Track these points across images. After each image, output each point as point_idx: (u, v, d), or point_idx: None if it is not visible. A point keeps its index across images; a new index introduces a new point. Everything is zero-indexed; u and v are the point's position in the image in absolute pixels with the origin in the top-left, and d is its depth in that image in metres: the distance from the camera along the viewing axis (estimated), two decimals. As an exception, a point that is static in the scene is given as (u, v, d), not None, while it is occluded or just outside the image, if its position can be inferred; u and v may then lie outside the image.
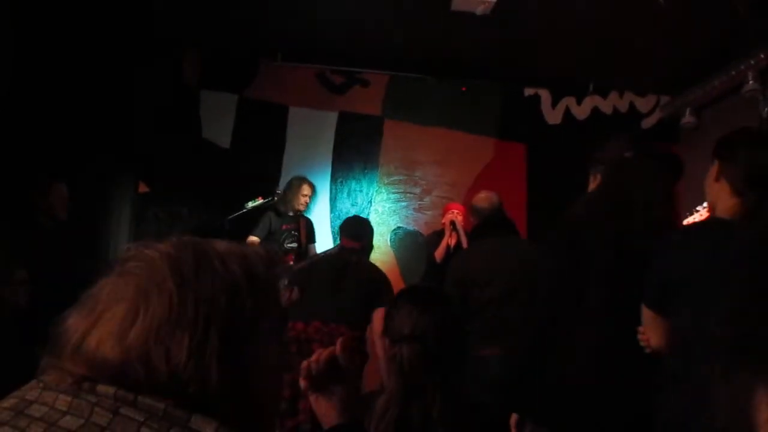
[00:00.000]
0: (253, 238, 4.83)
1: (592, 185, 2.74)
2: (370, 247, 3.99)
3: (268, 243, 4.81)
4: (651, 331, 1.98)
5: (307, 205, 5.21)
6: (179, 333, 0.74)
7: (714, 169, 1.95)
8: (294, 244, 4.97)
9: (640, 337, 2.03)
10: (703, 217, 3.82)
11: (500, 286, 3.25)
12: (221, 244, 0.86)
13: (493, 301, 3.24)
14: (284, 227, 5.01)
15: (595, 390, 2.17)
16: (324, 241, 5.42)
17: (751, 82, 4.59)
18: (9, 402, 0.74)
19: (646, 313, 1.98)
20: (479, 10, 4.14)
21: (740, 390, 0.41)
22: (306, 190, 5.14)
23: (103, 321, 0.75)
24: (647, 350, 2.01)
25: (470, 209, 3.76)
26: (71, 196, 3.53)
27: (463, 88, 5.98)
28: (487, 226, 3.56)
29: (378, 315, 3.42)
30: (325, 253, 4.55)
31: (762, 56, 4.38)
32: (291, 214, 5.08)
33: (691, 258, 1.83)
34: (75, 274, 3.55)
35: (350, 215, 4.94)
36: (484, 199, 3.70)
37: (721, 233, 1.80)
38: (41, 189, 3.38)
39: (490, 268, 3.31)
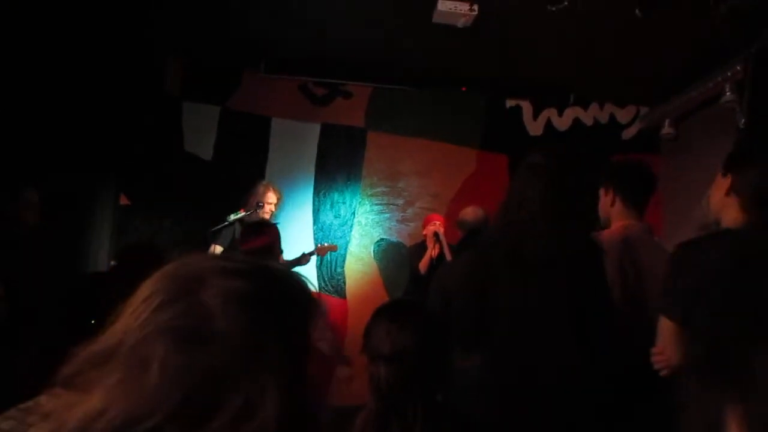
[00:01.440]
0: (218, 248, 4.72)
1: None
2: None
3: (231, 252, 4.69)
4: (673, 347, 1.85)
5: (273, 214, 4.97)
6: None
7: (723, 183, 1.96)
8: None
9: (655, 358, 1.91)
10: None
11: (465, 301, 3.24)
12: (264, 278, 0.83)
13: (463, 314, 3.23)
14: None
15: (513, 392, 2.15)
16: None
17: (728, 93, 4.65)
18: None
19: (669, 327, 1.86)
20: (460, 22, 4.16)
21: (710, 405, 0.41)
22: (270, 197, 4.92)
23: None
24: (664, 372, 1.89)
25: (456, 223, 3.78)
26: (50, 208, 3.48)
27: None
28: (466, 240, 3.58)
29: None
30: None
31: (738, 68, 4.45)
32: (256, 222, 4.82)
33: (704, 269, 1.77)
34: (53, 288, 3.50)
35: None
36: (470, 212, 3.73)
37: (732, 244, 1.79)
38: (11, 197, 3.33)
39: (458, 283, 3.29)
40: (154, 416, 0.68)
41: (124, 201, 5.43)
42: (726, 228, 1.91)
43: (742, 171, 1.92)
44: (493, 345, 2.19)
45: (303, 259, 5.01)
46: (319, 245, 5.43)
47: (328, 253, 5.54)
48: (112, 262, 5.15)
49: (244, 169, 5.71)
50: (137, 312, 0.75)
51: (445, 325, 3.06)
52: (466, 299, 2.35)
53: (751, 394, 0.38)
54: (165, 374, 0.70)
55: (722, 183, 1.98)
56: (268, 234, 3.57)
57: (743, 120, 4.43)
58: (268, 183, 5.04)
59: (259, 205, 4.86)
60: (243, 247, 3.59)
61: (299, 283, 0.88)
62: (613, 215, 2.65)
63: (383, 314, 1.67)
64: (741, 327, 0.37)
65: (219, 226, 4.73)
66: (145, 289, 0.78)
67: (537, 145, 5.92)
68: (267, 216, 4.87)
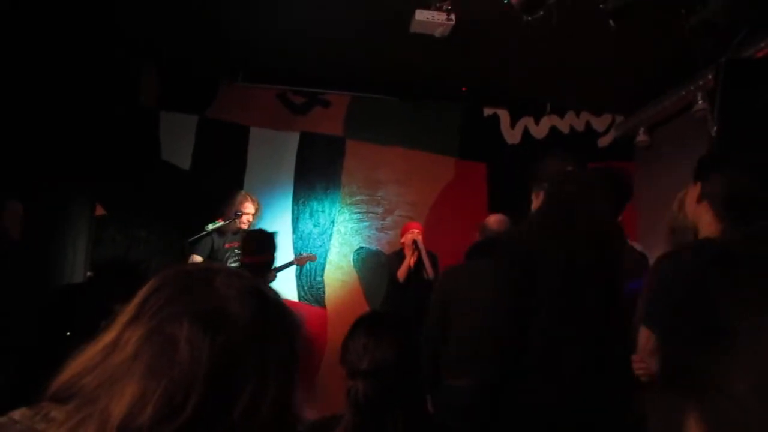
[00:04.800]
0: (196, 258, 4.66)
1: (536, 203, 2.73)
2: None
3: (211, 262, 4.59)
4: (653, 357, 1.85)
5: (251, 224, 4.86)
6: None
7: (695, 190, 1.97)
8: (237, 264, 4.72)
9: (635, 365, 1.92)
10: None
11: (475, 312, 3.07)
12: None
13: (467, 327, 3.11)
14: (227, 246, 4.75)
15: (552, 410, 2.16)
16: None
17: (700, 102, 4.74)
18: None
19: (648, 338, 1.86)
20: (438, 32, 4.19)
21: (671, 409, 0.42)
22: (248, 207, 4.82)
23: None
24: (644, 379, 1.90)
25: (478, 227, 3.62)
26: (26, 220, 3.43)
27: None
28: (482, 247, 3.39)
29: None
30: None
31: (710, 77, 4.53)
32: (234, 231, 4.77)
33: (684, 281, 1.77)
34: (30, 301, 3.45)
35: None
36: (495, 221, 3.55)
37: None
38: None
39: (469, 291, 3.15)
40: (191, 396, 0.68)
41: (100, 211, 5.37)
42: (704, 237, 1.91)
43: (711, 178, 1.94)
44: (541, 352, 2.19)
45: (275, 271, 4.99)
46: (297, 255, 5.40)
47: (308, 262, 5.52)
48: (89, 273, 5.09)
49: (222, 179, 5.68)
50: (147, 305, 0.76)
51: (436, 335, 3.01)
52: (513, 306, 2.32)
53: (708, 399, 0.39)
54: (193, 352, 0.71)
55: (693, 189, 2.00)
56: (269, 251, 3.61)
57: (715, 128, 4.50)
58: (246, 193, 4.99)
59: (237, 215, 4.81)
60: (245, 260, 3.60)
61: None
62: None
63: (360, 328, 1.65)
64: (699, 335, 0.38)
65: (197, 236, 4.68)
66: (150, 287, 0.79)
67: (515, 153, 6.02)
68: (245, 226, 4.81)
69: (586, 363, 2.09)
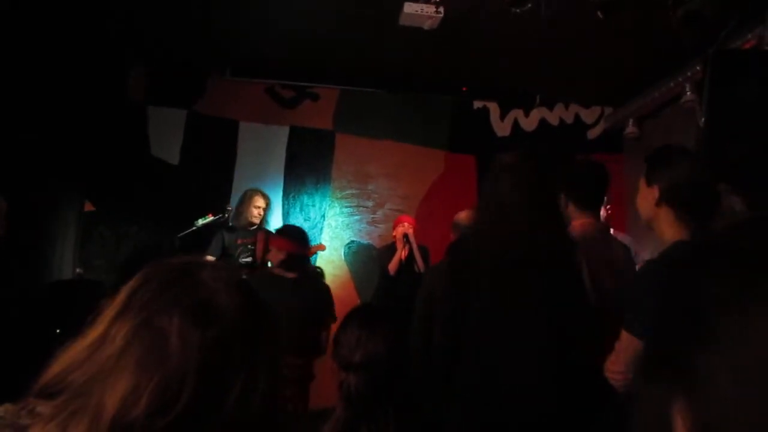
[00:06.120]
0: (210, 258, 4.65)
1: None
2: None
3: (225, 260, 4.62)
4: (633, 364, 1.77)
5: (262, 217, 4.94)
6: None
7: (649, 193, 1.94)
8: (249, 259, 4.73)
9: (609, 375, 1.85)
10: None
11: None
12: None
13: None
14: (239, 241, 4.79)
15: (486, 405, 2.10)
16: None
17: (688, 93, 4.76)
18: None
19: (633, 345, 1.77)
20: (427, 25, 4.18)
21: (657, 403, 0.42)
22: (259, 201, 4.89)
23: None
24: (620, 388, 1.82)
25: (452, 225, 3.65)
26: (14, 216, 3.40)
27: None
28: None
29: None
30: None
31: (698, 68, 4.55)
32: (245, 227, 4.83)
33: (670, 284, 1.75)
34: (15, 296, 3.43)
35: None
36: (466, 217, 3.56)
37: None
38: None
39: None
40: (183, 390, 0.69)
41: (88, 207, 5.34)
42: (678, 241, 1.87)
43: (667, 181, 1.90)
44: (474, 352, 2.12)
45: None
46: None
47: (317, 252, 5.46)
48: (78, 270, 5.06)
49: (212, 174, 5.66)
50: (134, 299, 0.76)
51: (425, 331, 3.01)
52: (449, 305, 2.25)
53: (694, 390, 0.40)
54: (184, 345, 0.71)
55: (648, 192, 1.96)
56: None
57: (703, 119, 4.52)
58: (258, 189, 5.03)
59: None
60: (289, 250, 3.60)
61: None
62: (569, 216, 2.65)
63: (352, 321, 1.66)
64: (684, 327, 0.38)
65: (186, 231, 4.68)
66: (137, 281, 0.79)
67: (504, 146, 6.03)
68: (255, 221, 4.86)
69: (519, 360, 2.02)
